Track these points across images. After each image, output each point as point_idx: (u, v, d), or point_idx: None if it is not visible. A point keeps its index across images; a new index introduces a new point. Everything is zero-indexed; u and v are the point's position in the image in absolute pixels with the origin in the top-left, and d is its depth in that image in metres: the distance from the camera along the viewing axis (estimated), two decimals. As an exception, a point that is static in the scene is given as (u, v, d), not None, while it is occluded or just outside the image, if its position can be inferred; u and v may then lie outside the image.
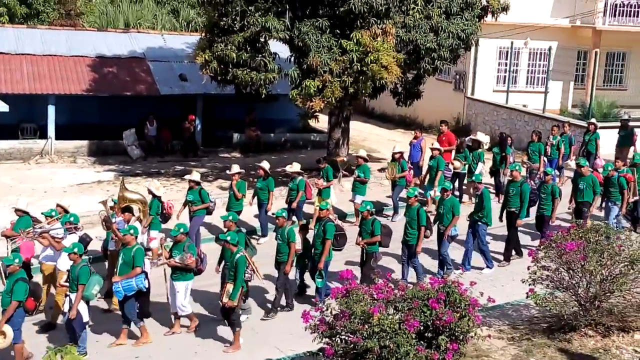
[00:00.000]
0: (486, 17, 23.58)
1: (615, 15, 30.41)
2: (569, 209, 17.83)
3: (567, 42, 30.65)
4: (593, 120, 22.70)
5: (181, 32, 36.01)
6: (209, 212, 16.96)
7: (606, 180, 17.26)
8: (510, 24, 27.69)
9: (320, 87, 20.06)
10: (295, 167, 18.32)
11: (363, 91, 20.60)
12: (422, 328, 9.56)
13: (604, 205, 17.86)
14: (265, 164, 18.09)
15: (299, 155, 26.94)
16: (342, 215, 19.31)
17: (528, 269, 12.35)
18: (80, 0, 47.87)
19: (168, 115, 27.86)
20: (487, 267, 15.77)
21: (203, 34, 22.78)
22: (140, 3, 43.69)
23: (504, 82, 29.84)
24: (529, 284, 11.98)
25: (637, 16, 30.85)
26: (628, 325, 12.03)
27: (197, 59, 21.52)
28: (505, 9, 23.53)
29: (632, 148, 22.11)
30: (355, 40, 19.83)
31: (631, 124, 22.87)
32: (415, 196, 14.98)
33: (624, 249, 11.89)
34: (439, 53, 21.27)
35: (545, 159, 21.08)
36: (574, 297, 12.00)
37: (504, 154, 20.40)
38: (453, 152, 21.00)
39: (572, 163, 18.17)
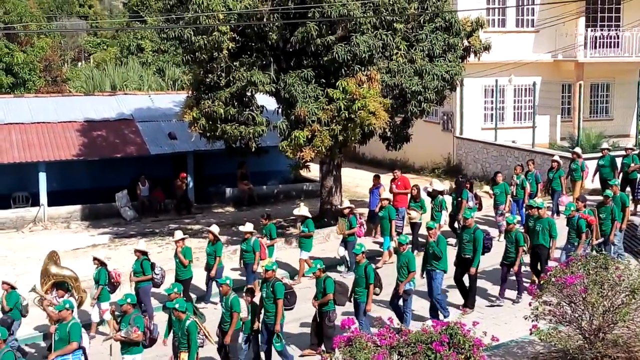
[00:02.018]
0: (469, 57, 23.79)
1: (596, 47, 30.77)
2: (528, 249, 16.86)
3: (550, 76, 30.94)
4: (555, 157, 22.32)
5: (168, 91, 36.36)
6: (155, 284, 16.31)
7: (567, 222, 16.76)
8: (494, 63, 27.97)
9: (309, 137, 20.13)
10: (248, 227, 17.70)
11: (352, 138, 20.66)
12: (427, 372, 9.47)
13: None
14: (215, 228, 17.56)
15: (293, 205, 26.86)
16: (292, 273, 18.95)
17: (529, 304, 12.28)
18: (66, 66, 48.37)
19: (159, 175, 27.91)
20: (444, 316, 14.81)
21: (190, 92, 22.93)
22: (126, 65, 44.17)
23: (492, 120, 30.03)
24: (532, 320, 11.89)
25: (618, 47, 31.23)
26: (634, 356, 11.90)
27: (185, 117, 21.61)
28: (487, 48, 23.78)
29: (581, 182, 21.96)
30: (341, 89, 19.97)
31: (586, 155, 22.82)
32: (363, 253, 14.47)
33: (624, 279, 11.84)
34: (425, 95, 21.40)
35: (511, 199, 20.77)
36: (577, 330, 11.90)
37: (459, 198, 19.97)
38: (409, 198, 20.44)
39: (538, 201, 17.83)
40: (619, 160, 22.16)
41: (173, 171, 28.28)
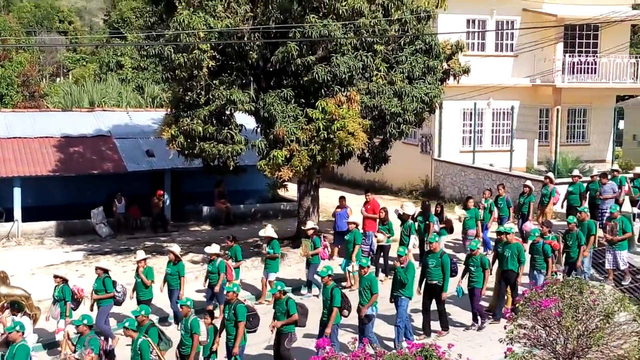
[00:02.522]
0: (448, 80, 23.92)
1: (573, 73, 31.11)
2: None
3: (528, 100, 31.20)
4: (527, 183, 22.24)
5: (146, 109, 36.23)
6: (117, 302, 16.15)
7: (531, 247, 16.78)
8: (473, 86, 28.19)
9: (287, 156, 20.10)
10: (214, 248, 17.59)
11: (331, 158, 20.65)
12: (401, 395, 9.40)
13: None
14: (176, 248, 17.34)
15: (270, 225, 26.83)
16: (256, 295, 18.83)
17: (505, 328, 12.26)
18: (44, 81, 48.14)
19: (136, 192, 27.72)
20: (395, 344, 14.73)
21: (168, 109, 22.84)
22: (105, 82, 44.04)
23: (470, 143, 30.19)
24: (507, 343, 11.85)
25: (595, 73, 31.58)
26: (608, 380, 11.92)
27: (164, 135, 21.51)
28: (466, 71, 23.94)
29: (549, 207, 21.92)
30: (320, 109, 19.97)
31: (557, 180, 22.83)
32: (329, 275, 14.40)
33: (598, 303, 11.85)
34: (404, 117, 21.45)
35: (480, 224, 20.72)
36: (552, 354, 11.87)
37: (427, 222, 20.00)
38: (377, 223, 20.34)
39: (507, 226, 17.85)
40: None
41: (150, 188, 28.11)
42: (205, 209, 28.35)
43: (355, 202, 29.18)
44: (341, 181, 34.55)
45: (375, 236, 19.80)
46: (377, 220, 20.25)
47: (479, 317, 16.02)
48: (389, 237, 19.68)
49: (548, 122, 32.00)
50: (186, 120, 20.71)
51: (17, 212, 26.02)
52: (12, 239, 25.57)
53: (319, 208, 24.15)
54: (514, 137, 29.14)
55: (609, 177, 22.28)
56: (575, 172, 23.29)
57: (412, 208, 20.59)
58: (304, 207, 23.49)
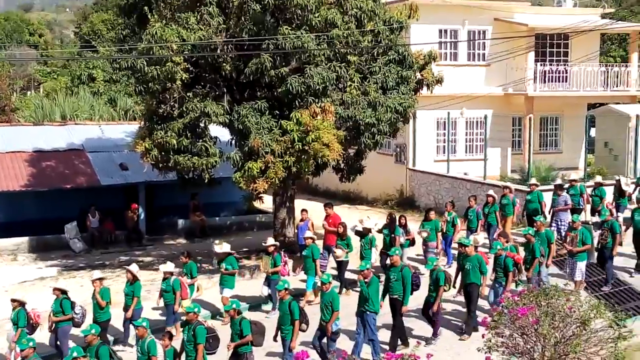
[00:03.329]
0: (422, 90, 24.04)
1: (545, 82, 31.41)
2: (458, 291, 16.96)
3: (501, 109, 31.44)
4: (490, 192, 22.31)
5: (119, 122, 36.04)
6: (75, 324, 15.67)
7: (494, 260, 16.71)
8: (446, 95, 28.33)
9: (262, 168, 20.06)
10: (169, 266, 17.17)
11: (306, 170, 20.63)
12: (381, 406, 9.38)
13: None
14: (134, 267, 16.83)
15: (246, 237, 26.80)
16: (215, 313, 18.41)
17: (482, 336, 12.29)
18: (15, 95, 47.71)
19: (110, 206, 27.51)
20: (373, 358, 14.60)
21: (142, 122, 22.72)
22: (77, 95, 43.75)
23: (444, 152, 30.35)
24: (485, 352, 11.88)
25: (566, 81, 31.91)
26: (586, 387, 11.97)
27: (137, 148, 21.38)
28: (439, 81, 24.06)
29: (512, 217, 22.03)
30: (295, 120, 19.98)
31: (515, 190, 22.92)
32: (286, 289, 14.18)
33: (575, 310, 11.92)
34: (378, 127, 21.50)
35: (441, 236, 20.73)
36: (530, 362, 11.93)
37: (393, 235, 19.78)
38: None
39: (464, 239, 17.96)
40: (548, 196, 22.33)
41: (124, 202, 27.92)
42: (181, 222, 28.21)
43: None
44: (317, 192, 34.54)
45: (334, 252, 19.61)
46: (336, 234, 19.97)
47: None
48: (347, 253, 19.44)
49: (521, 130, 32.25)
50: (160, 133, 20.61)
51: (-11, 228, 25.74)
52: (-15, 256, 25.27)
53: (295, 219, 24.10)
54: (488, 146, 29.33)
55: (567, 186, 22.46)
56: (532, 180, 23.45)
57: (371, 222, 20.27)
58: (279, 219, 23.45)
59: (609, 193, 23.10)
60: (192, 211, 28.01)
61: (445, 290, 15.77)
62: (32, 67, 56.52)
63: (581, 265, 17.80)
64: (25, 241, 26.05)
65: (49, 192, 26.87)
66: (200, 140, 20.96)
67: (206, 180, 21.53)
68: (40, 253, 25.58)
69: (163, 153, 20.81)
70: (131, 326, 16.24)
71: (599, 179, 23.60)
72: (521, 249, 17.67)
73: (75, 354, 11.98)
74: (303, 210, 21.79)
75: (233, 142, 22.06)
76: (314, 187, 34.70)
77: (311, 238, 18.78)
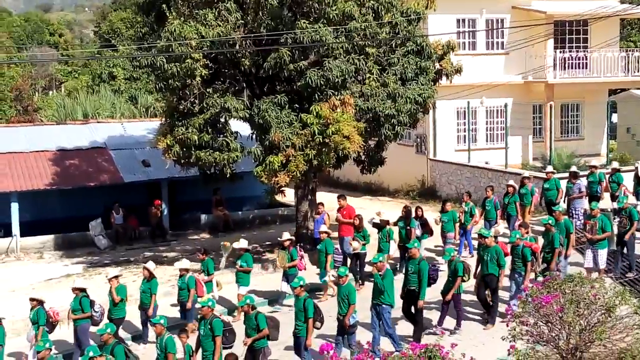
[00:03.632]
0: (441, 80, 23.99)
1: (565, 69, 31.20)
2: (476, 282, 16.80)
3: (521, 97, 31.28)
4: (510, 182, 22.10)
5: (141, 119, 36.25)
6: (94, 322, 15.74)
7: (512, 250, 16.65)
8: (466, 85, 28.26)
9: (284, 162, 20.13)
10: (184, 263, 17.31)
11: (327, 162, 20.68)
12: (407, 396, 9.44)
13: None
14: (151, 265, 16.94)
15: (269, 230, 26.89)
16: (231, 309, 18.36)
17: (507, 325, 12.32)
18: (37, 95, 48.15)
19: (134, 202, 27.75)
20: (396, 350, 14.02)
21: (163, 119, 22.87)
22: (98, 93, 44.06)
23: (465, 141, 30.26)
24: (510, 341, 11.90)
25: (586, 67, 31.69)
26: (612, 374, 11.98)
27: (159, 144, 21.53)
28: (458, 71, 24.00)
29: (530, 207, 21.82)
30: (315, 113, 20.03)
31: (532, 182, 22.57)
32: (301, 286, 14.15)
33: (599, 297, 11.91)
34: (398, 119, 21.51)
35: (458, 226, 20.69)
36: (555, 350, 11.94)
37: (408, 227, 19.76)
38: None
39: (484, 230, 17.90)
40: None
41: (147, 199, 28.13)
42: (204, 217, 28.38)
43: (354, 204, 29.27)
44: (338, 184, 34.56)
45: (351, 243, 19.60)
46: (353, 226, 19.99)
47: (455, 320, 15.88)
48: (364, 245, 19.45)
49: (541, 118, 32.06)
50: (181, 130, 20.74)
51: (15, 227, 26.03)
52: (11, 254, 25.58)
53: (317, 211, 24.16)
54: (508, 135, 29.19)
55: (587, 172, 22.31)
56: (549, 168, 23.25)
57: (386, 216, 20.26)
58: (301, 212, 23.52)
59: (628, 179, 22.92)
60: (214, 206, 28.17)
61: (464, 281, 15.78)
62: (53, 67, 56.94)
63: (602, 253, 17.68)
64: (51, 239, 26.34)
65: (73, 190, 27.14)
66: (221, 136, 21.08)
67: (228, 175, 21.64)
68: (66, 250, 25.86)
69: (184, 149, 20.95)
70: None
71: (615, 164, 23.43)
72: (540, 238, 17.61)
73: (91, 354, 12.07)
74: (319, 203, 21.88)
75: (254, 136, 22.16)
76: (336, 180, 34.75)
77: (326, 232, 18.81)
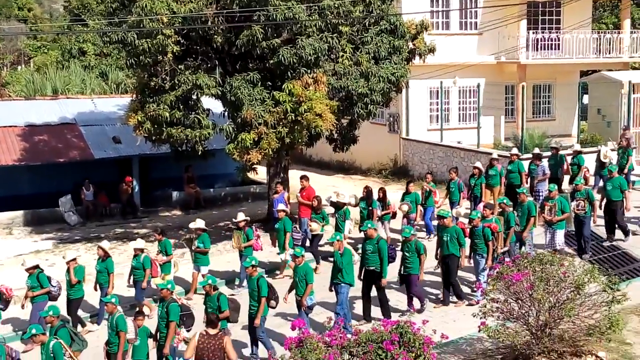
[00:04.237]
0: (414, 59, 24.00)
1: (537, 49, 31.34)
2: (438, 263, 17.08)
3: (494, 77, 31.41)
4: (477, 164, 22.17)
5: (111, 95, 35.87)
6: (52, 297, 15.66)
7: (471, 231, 16.61)
8: (439, 65, 28.28)
9: (256, 139, 20.06)
10: (139, 243, 17.11)
11: (299, 140, 20.64)
12: (378, 371, 9.49)
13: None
14: (105, 244, 16.82)
15: (240, 208, 26.79)
16: (188, 290, 18.07)
17: (477, 302, 12.42)
18: (5, 70, 47.46)
19: (104, 179, 27.51)
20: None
21: (134, 95, 22.65)
22: (68, 69, 43.50)
23: (437, 121, 30.35)
24: (480, 318, 12.02)
25: (559, 49, 31.86)
26: (580, 350, 12.14)
27: (130, 121, 21.34)
28: (431, 50, 24.01)
29: (499, 188, 21.89)
30: (287, 91, 19.94)
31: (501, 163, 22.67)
32: (253, 266, 14.02)
33: (569, 275, 12.05)
34: (371, 97, 21.47)
35: (422, 207, 20.88)
36: (525, 326, 12.08)
37: (370, 208, 19.72)
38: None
39: (461, 209, 17.99)
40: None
41: (118, 175, 27.92)
42: (175, 194, 28.22)
43: (327, 183, 29.43)
44: (311, 162, 34.58)
45: (309, 225, 19.59)
46: (311, 207, 19.99)
47: (418, 301, 15.75)
48: (322, 226, 19.44)
49: (514, 98, 32.26)
50: (152, 106, 20.56)
51: (-17, 203, 25.73)
52: (-21, 230, 25.29)
53: (289, 190, 24.14)
54: (481, 114, 29.34)
55: (549, 155, 22.46)
56: (514, 150, 23.34)
57: (347, 197, 20.26)
58: (273, 190, 23.45)
59: (590, 161, 23.11)
60: (186, 183, 28.03)
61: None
62: (22, 41, 56.07)
63: (560, 234, 17.74)
64: (20, 215, 26.05)
65: (42, 166, 26.82)
66: (193, 113, 20.93)
67: (200, 152, 21.52)
68: (35, 227, 25.59)
69: (156, 126, 20.77)
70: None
71: (577, 147, 23.63)
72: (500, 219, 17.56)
73: (34, 331, 12.01)
74: (278, 183, 21.79)
75: (226, 114, 22.03)
76: (308, 158, 34.73)
77: (284, 211, 18.76)
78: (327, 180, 30.84)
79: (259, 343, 13.94)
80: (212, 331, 11.14)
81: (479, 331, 12.16)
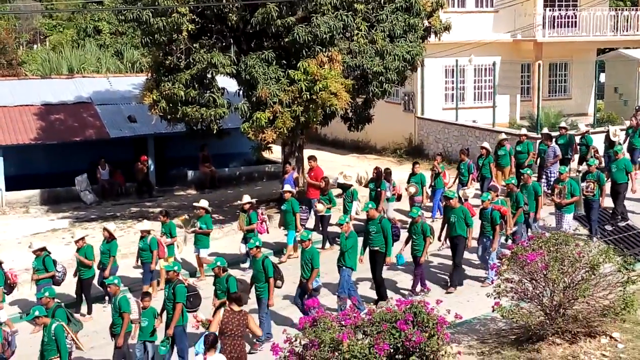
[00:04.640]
0: (429, 37, 23.85)
1: (554, 27, 31.07)
2: (442, 245, 16.92)
3: (510, 56, 31.19)
4: (484, 145, 21.89)
5: (126, 74, 35.91)
6: (56, 282, 15.67)
7: (480, 213, 16.39)
8: (454, 43, 28.12)
9: (271, 118, 20.04)
10: (145, 225, 17.13)
11: (314, 119, 20.60)
12: (392, 351, 9.53)
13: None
14: (111, 226, 16.88)
15: (255, 187, 26.88)
16: (191, 271, 18.19)
17: (492, 282, 12.42)
18: (21, 49, 47.55)
19: (120, 158, 27.62)
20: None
21: (149, 74, 22.68)
22: (83, 48, 43.55)
23: (452, 100, 30.21)
24: (494, 298, 12.03)
25: (576, 26, 31.56)
26: (594, 331, 12.13)
27: (145, 100, 21.38)
28: (447, 28, 23.85)
29: (509, 168, 21.66)
30: (302, 70, 19.89)
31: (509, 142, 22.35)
32: (258, 247, 14.05)
33: (584, 255, 12.01)
34: (386, 76, 21.37)
35: (429, 190, 20.74)
36: (539, 306, 12.07)
37: (379, 189, 19.55)
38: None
39: (469, 190, 17.77)
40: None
41: (134, 154, 28.02)
42: (190, 173, 28.30)
43: (342, 162, 29.42)
44: (325, 141, 34.55)
45: (315, 206, 19.53)
46: (319, 189, 19.93)
47: (419, 284, 15.72)
48: (329, 208, 19.34)
49: (530, 77, 32.05)
50: (167, 85, 20.58)
51: (1, 182, 25.90)
52: (-3, 209, 25.50)
53: (304, 169, 24.16)
54: (496, 93, 29.17)
55: (558, 134, 22.23)
56: (523, 130, 23.04)
57: (354, 178, 20.11)
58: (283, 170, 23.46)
59: (598, 141, 22.89)
60: (201, 162, 28.09)
61: (430, 242, 15.68)
62: (38, 20, 56.14)
63: (569, 218, 17.45)
64: (37, 194, 26.24)
65: (58, 145, 26.98)
66: (208, 92, 20.93)
67: (215, 131, 21.54)
68: (52, 205, 25.77)
69: (171, 104, 20.81)
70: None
71: (583, 127, 23.36)
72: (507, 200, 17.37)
73: (37, 313, 12.05)
74: (287, 163, 21.76)
75: (241, 92, 22.01)
76: (323, 137, 34.68)
77: (290, 192, 18.72)
78: (342, 159, 30.83)
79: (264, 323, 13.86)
80: (236, 308, 11.34)
81: (493, 311, 12.17)
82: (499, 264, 12.94)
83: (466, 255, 16.61)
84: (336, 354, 9.34)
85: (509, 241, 16.05)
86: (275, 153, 25.36)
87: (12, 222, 24.04)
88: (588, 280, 11.82)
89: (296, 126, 20.66)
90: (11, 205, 25.70)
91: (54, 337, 11.84)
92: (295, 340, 9.84)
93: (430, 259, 16.77)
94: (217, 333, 10.99)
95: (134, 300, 13.36)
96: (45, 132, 26.95)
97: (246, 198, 18.56)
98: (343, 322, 9.89)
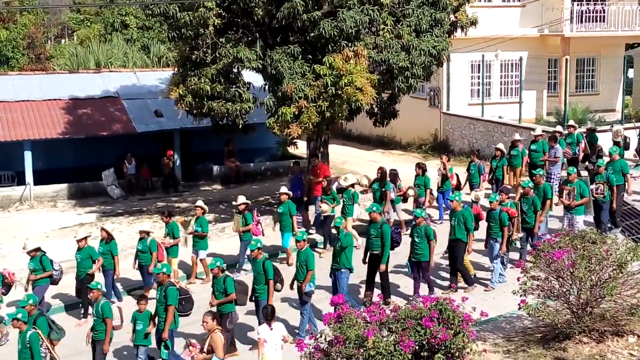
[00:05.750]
0: (456, 32, 23.72)
1: (581, 22, 30.80)
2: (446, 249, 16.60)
3: (537, 51, 30.96)
4: (499, 146, 21.45)
5: (153, 69, 36.05)
6: (54, 281, 15.63)
7: (488, 215, 16.13)
8: (480, 38, 27.95)
9: (296, 113, 20.04)
10: (145, 225, 17.06)
11: (339, 114, 20.56)
12: (417, 348, 9.51)
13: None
14: (109, 226, 16.76)
15: (280, 183, 26.84)
16: (188, 274, 17.95)
17: (518, 279, 12.35)
18: (50, 43, 47.91)
19: (146, 153, 27.78)
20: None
21: (175, 69, 22.78)
22: (110, 42, 43.77)
23: (478, 95, 30.04)
24: (520, 295, 11.96)
25: (604, 21, 31.25)
26: (621, 329, 12.03)
27: (171, 94, 21.47)
28: (473, 23, 23.72)
29: (521, 168, 21.29)
30: (328, 65, 19.86)
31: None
32: (258, 249, 13.93)
33: (611, 253, 11.91)
34: (412, 71, 21.28)
35: (435, 192, 20.47)
36: (565, 305, 11.99)
37: (383, 189, 19.28)
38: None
39: (480, 193, 17.61)
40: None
41: (160, 149, 28.16)
42: (216, 168, 28.40)
43: (367, 157, 29.39)
44: (350, 137, 34.52)
45: (319, 206, 19.39)
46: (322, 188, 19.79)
47: (427, 288, 15.39)
48: (333, 207, 19.12)
49: (557, 72, 31.77)
50: (194, 80, 20.66)
51: (29, 176, 26.15)
52: (25, 202, 25.72)
53: (329, 164, 24.13)
54: (523, 89, 28.96)
55: (566, 133, 21.89)
56: (538, 130, 22.55)
57: (352, 178, 19.88)
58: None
59: (604, 139, 22.54)
60: (226, 157, 28.18)
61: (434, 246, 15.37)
62: (66, 14, 56.55)
63: (579, 219, 17.04)
64: (64, 188, 26.46)
65: (85, 139, 27.19)
66: (234, 86, 20.98)
67: (240, 126, 21.60)
68: (79, 199, 25.99)
69: (197, 99, 20.88)
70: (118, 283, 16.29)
71: (589, 125, 22.97)
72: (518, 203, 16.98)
73: (19, 315, 11.91)
74: (295, 162, 21.59)
75: (266, 87, 22.02)
76: (348, 132, 34.66)
77: (286, 194, 18.57)
78: (367, 155, 30.80)
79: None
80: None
81: (519, 309, 12.11)
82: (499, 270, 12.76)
83: (478, 258, 16.42)
84: (361, 350, 9.33)
85: (518, 244, 15.81)
86: (301, 148, 25.38)
87: (40, 216, 24.29)
88: (615, 279, 11.72)
89: (321, 121, 20.64)
90: (39, 199, 25.95)
91: (28, 345, 11.70)
92: (321, 336, 9.85)
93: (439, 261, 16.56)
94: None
95: (115, 305, 13.27)
96: (73, 126, 27.17)
97: (241, 199, 18.31)
98: (368, 319, 9.89)
